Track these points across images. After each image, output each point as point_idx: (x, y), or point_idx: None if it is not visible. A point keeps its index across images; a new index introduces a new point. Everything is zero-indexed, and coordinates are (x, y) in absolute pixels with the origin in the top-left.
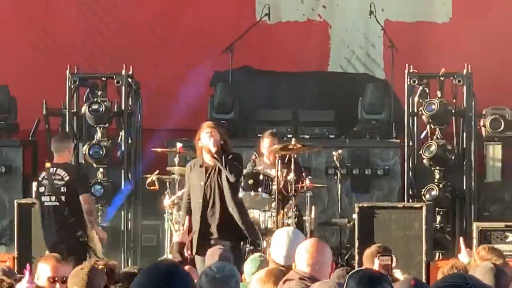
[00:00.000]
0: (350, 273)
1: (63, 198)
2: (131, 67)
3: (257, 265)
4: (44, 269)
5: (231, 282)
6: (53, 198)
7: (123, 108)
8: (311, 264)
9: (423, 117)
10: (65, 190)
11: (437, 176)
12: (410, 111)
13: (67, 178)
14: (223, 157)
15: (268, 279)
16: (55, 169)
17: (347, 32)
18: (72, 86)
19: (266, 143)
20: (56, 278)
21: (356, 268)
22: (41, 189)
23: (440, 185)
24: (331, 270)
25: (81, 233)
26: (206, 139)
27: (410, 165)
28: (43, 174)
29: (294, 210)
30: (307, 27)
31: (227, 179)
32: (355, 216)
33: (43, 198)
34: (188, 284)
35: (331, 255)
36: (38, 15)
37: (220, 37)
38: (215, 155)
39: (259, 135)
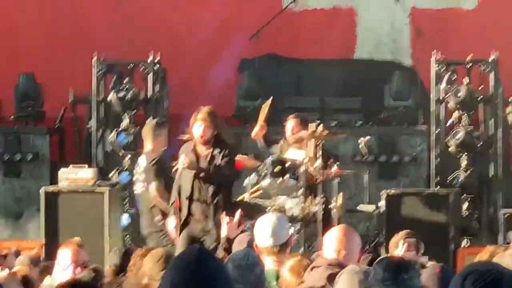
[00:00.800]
0: (377, 261)
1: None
2: (158, 54)
3: None
4: (65, 254)
5: (256, 269)
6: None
7: (149, 95)
8: (339, 250)
9: (450, 103)
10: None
11: (464, 163)
12: (437, 97)
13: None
14: (214, 153)
15: (294, 255)
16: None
17: (374, 19)
18: (99, 74)
19: (289, 126)
20: (76, 263)
21: (383, 256)
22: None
23: (467, 172)
24: (359, 256)
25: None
26: (197, 131)
27: (437, 152)
28: None
29: (321, 197)
30: (334, 15)
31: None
32: (382, 203)
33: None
34: (218, 270)
35: (359, 242)
36: (64, 2)
37: (247, 24)
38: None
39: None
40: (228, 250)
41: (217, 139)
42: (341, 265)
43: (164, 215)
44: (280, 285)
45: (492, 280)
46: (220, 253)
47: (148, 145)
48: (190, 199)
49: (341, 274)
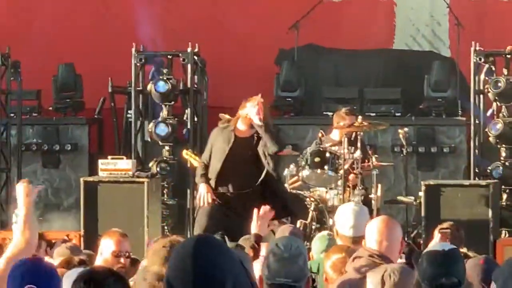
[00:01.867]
0: (425, 252)
1: None
2: (196, 44)
3: (326, 243)
4: (108, 244)
5: (299, 261)
6: None
7: (188, 86)
8: (380, 241)
9: (489, 94)
10: None
11: (504, 154)
12: (476, 88)
13: None
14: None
15: (339, 251)
16: None
17: (413, 10)
18: (137, 64)
19: (346, 122)
20: (120, 253)
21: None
22: None
23: (507, 163)
24: (401, 247)
25: None
26: (253, 110)
27: (476, 143)
28: None
29: (360, 188)
30: (373, 5)
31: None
32: (421, 194)
33: None
34: (219, 248)
35: (401, 233)
36: None
37: (286, 14)
38: (260, 123)
39: (324, 112)
40: (255, 248)
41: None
42: (382, 257)
43: None
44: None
45: None
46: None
47: None
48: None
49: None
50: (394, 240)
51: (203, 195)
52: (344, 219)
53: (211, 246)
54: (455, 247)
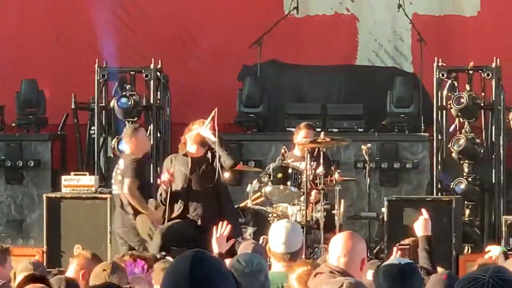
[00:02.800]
0: (381, 266)
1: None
2: (159, 61)
3: None
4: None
5: (260, 276)
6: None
7: (151, 102)
8: (339, 257)
9: (452, 110)
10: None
11: (466, 170)
12: (439, 104)
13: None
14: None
15: (303, 264)
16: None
17: (375, 25)
18: (100, 80)
19: (301, 135)
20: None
21: (387, 261)
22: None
23: (469, 179)
24: (363, 264)
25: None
26: (204, 128)
27: (439, 159)
28: None
29: (323, 203)
30: (335, 21)
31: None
32: (384, 209)
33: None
34: (216, 270)
35: (364, 250)
36: (65, 9)
37: (248, 30)
38: (214, 139)
39: (287, 128)
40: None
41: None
42: (343, 273)
43: (136, 212)
44: None
45: (481, 286)
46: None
47: (127, 149)
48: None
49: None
50: (355, 256)
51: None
52: (275, 236)
53: (206, 264)
54: (411, 261)
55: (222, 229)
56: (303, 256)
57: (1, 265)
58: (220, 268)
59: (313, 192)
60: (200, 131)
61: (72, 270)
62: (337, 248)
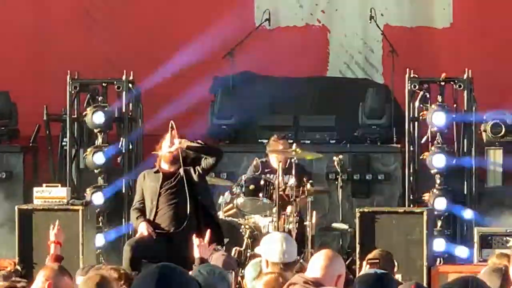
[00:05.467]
0: (358, 276)
1: None
2: (131, 72)
3: (259, 269)
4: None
5: (223, 285)
6: None
7: (123, 113)
8: (317, 269)
9: (424, 122)
10: None
11: (438, 181)
12: (411, 116)
13: None
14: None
15: (270, 272)
16: None
17: (346, 37)
18: (72, 92)
19: (279, 147)
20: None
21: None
22: None
23: (441, 190)
24: (338, 280)
25: None
26: (167, 144)
27: (411, 170)
28: None
29: (295, 215)
30: (306, 32)
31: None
32: (356, 221)
33: None
34: (183, 283)
35: (343, 267)
36: (37, 21)
37: (220, 42)
38: (187, 145)
39: (259, 140)
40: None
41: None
42: (317, 284)
43: None
44: None
45: None
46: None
47: None
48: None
49: None
50: (331, 271)
51: (144, 233)
52: (273, 245)
53: (174, 282)
54: (387, 271)
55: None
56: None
57: None
58: (186, 281)
59: (289, 208)
60: (167, 151)
61: (39, 281)
62: (314, 261)
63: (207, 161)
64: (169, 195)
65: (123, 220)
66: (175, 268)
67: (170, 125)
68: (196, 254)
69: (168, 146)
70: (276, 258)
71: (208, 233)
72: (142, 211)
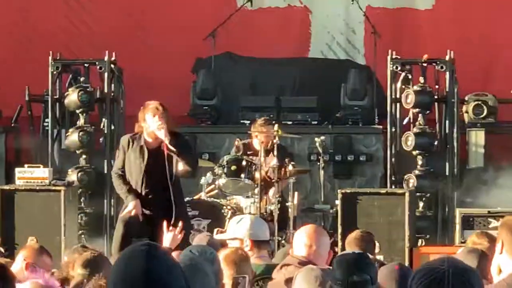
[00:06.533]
0: (336, 257)
1: None
2: (113, 53)
3: None
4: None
5: (214, 264)
6: None
7: (105, 94)
8: (309, 246)
9: (405, 103)
10: None
11: (420, 162)
12: (393, 97)
13: None
14: (176, 146)
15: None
16: None
17: (328, 17)
18: (54, 73)
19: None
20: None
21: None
22: None
23: (423, 171)
24: (329, 257)
25: None
26: (154, 126)
27: (393, 151)
28: None
29: (277, 196)
30: (288, 13)
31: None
32: (337, 202)
33: None
34: (170, 266)
35: (329, 243)
36: (19, 2)
37: (202, 23)
38: (169, 147)
39: (241, 121)
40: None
41: (173, 136)
42: (310, 263)
43: None
44: None
45: (436, 278)
46: None
47: None
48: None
49: (298, 273)
50: (323, 246)
51: (132, 212)
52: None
53: (162, 262)
54: (364, 252)
55: (176, 229)
56: None
57: None
58: (173, 264)
59: (271, 190)
60: (154, 131)
61: (18, 261)
62: (304, 238)
63: (183, 165)
64: (153, 174)
65: (105, 200)
66: (159, 247)
67: (156, 107)
68: (165, 243)
69: (157, 127)
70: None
71: (180, 226)
72: (128, 183)
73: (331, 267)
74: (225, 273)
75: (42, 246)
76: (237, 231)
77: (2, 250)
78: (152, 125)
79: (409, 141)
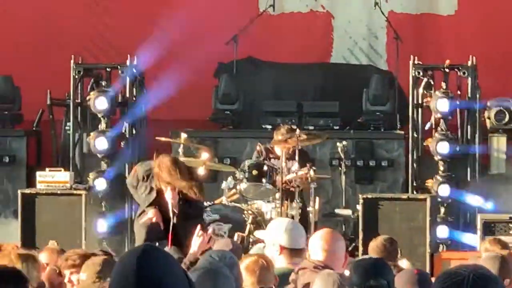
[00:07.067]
0: (354, 261)
1: None
2: (135, 57)
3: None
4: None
5: (234, 270)
6: None
7: (127, 98)
8: (326, 250)
9: (428, 108)
10: None
11: (441, 168)
12: (415, 102)
13: None
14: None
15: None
16: None
17: (350, 23)
18: (76, 77)
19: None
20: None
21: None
22: None
23: (444, 177)
24: (345, 261)
25: None
26: (168, 196)
27: (415, 157)
28: None
29: (298, 201)
30: (310, 18)
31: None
32: (359, 207)
33: None
34: (166, 265)
35: (344, 247)
36: (40, 5)
37: (224, 28)
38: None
39: (263, 126)
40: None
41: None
42: (326, 267)
43: None
44: None
45: (454, 283)
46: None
47: None
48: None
49: (316, 277)
50: (338, 251)
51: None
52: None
53: (156, 261)
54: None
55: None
56: None
57: None
58: (169, 263)
59: (311, 172)
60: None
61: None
62: (321, 242)
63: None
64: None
65: (126, 204)
66: (159, 248)
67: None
68: (193, 247)
69: (170, 201)
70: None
71: (211, 229)
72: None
73: (346, 271)
74: (246, 281)
75: (62, 249)
76: (271, 234)
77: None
78: (167, 195)
79: (431, 147)
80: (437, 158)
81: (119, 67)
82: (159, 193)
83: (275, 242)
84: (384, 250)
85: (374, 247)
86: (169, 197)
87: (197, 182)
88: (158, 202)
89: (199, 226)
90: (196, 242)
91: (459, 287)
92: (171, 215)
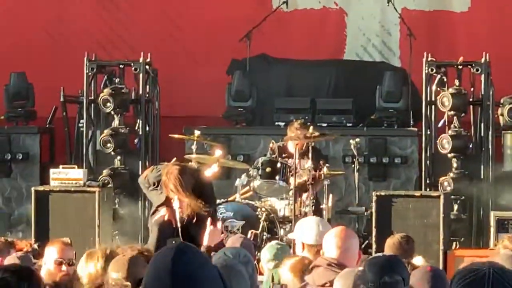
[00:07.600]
0: (368, 259)
1: None
2: (148, 54)
3: (273, 252)
4: (50, 252)
5: (248, 268)
6: None
7: (140, 95)
8: (340, 247)
9: (441, 105)
10: None
11: (455, 165)
12: (428, 99)
13: None
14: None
15: (293, 256)
16: None
17: (363, 19)
18: (89, 74)
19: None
20: (62, 260)
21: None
22: None
23: (458, 174)
24: (359, 258)
25: None
26: (176, 206)
27: (428, 154)
28: None
29: (311, 198)
30: (323, 15)
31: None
32: (372, 204)
33: None
34: (200, 263)
35: (358, 244)
36: (54, 2)
37: (237, 24)
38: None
39: (276, 123)
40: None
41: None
42: (340, 265)
43: None
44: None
45: (475, 279)
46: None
47: None
48: None
49: (338, 276)
50: (352, 248)
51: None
52: (307, 228)
53: (190, 260)
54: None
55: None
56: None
57: (4, 257)
58: (204, 262)
59: (324, 169)
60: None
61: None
62: (335, 239)
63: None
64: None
65: (139, 202)
66: (192, 246)
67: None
68: (205, 241)
69: (180, 212)
70: (313, 240)
71: (220, 223)
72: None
73: (360, 268)
74: (291, 281)
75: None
76: (297, 232)
77: (37, 247)
78: (174, 204)
79: (444, 144)
80: (450, 155)
81: (132, 64)
82: (168, 198)
83: (300, 240)
84: (400, 247)
85: (391, 244)
86: (176, 206)
87: (204, 195)
88: (169, 204)
89: (209, 220)
90: (207, 235)
91: (481, 281)
92: (178, 223)
